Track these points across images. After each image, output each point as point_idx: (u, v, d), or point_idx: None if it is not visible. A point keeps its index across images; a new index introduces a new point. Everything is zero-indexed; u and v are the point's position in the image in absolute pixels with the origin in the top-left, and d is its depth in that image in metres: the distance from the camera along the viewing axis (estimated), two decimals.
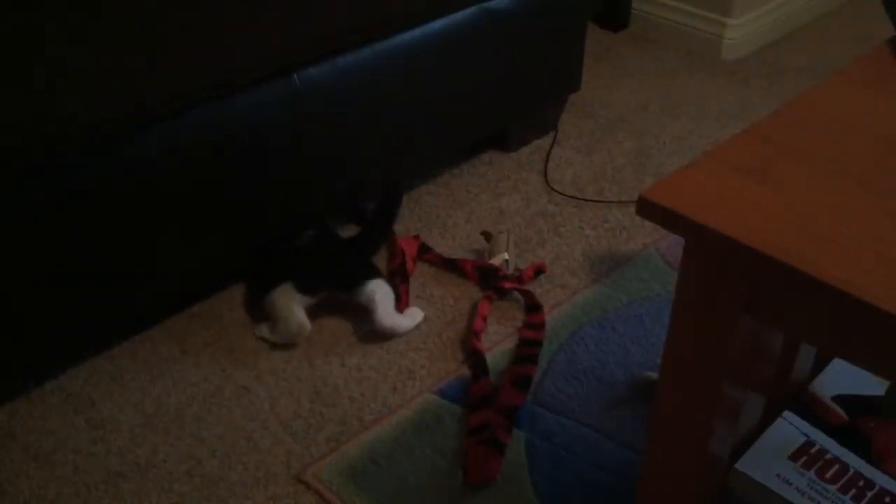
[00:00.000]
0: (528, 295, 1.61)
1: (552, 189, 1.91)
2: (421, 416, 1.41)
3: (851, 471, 1.08)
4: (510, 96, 1.90)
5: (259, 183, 1.53)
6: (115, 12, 1.33)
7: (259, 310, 1.57)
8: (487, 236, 1.71)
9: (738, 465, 1.08)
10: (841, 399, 1.18)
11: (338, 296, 1.56)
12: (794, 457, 1.10)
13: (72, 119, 1.28)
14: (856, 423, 1.14)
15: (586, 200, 1.88)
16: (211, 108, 1.41)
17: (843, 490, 1.06)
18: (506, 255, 1.65)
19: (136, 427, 1.41)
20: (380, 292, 1.53)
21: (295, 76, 1.49)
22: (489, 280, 1.63)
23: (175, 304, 1.61)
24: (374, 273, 1.56)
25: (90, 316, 1.45)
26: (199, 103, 1.39)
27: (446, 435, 1.38)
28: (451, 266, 1.68)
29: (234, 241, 1.57)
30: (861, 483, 1.07)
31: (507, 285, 1.62)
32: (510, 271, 1.65)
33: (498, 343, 1.54)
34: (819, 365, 1.22)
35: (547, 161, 2.00)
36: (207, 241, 1.53)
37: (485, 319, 1.57)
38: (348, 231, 1.70)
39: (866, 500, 1.05)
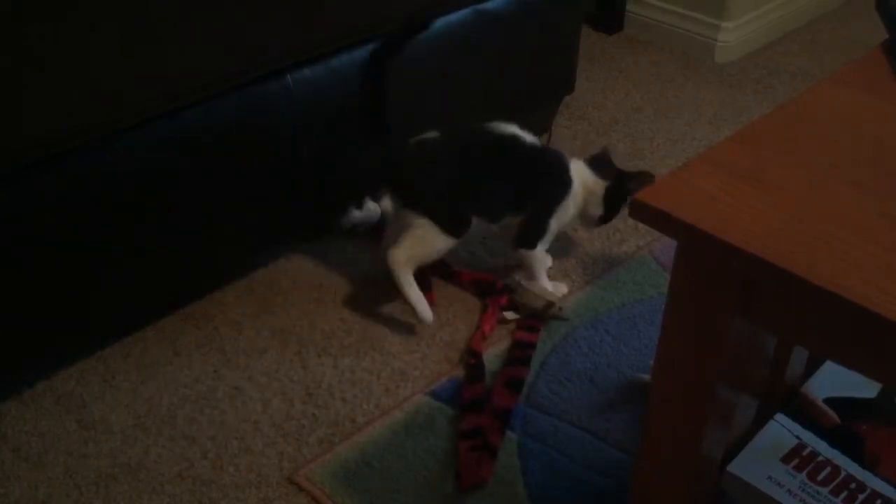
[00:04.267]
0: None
1: None
2: (413, 417, 1.41)
3: (843, 473, 1.08)
4: (504, 98, 1.90)
5: (253, 183, 1.53)
6: (111, 13, 1.33)
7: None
8: (512, 296, 1.62)
9: (730, 467, 1.08)
10: (833, 401, 1.18)
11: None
12: (786, 459, 1.10)
13: (71, 119, 1.27)
14: (848, 425, 1.15)
15: None
16: (206, 108, 1.41)
17: (835, 492, 1.06)
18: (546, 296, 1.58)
19: (128, 428, 1.40)
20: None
21: (289, 77, 1.49)
22: (487, 294, 1.63)
23: (168, 305, 1.60)
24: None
25: (82, 316, 1.45)
26: (193, 104, 1.39)
27: (439, 436, 1.38)
28: (447, 276, 1.67)
29: (227, 240, 1.57)
30: (853, 485, 1.07)
31: (504, 301, 1.61)
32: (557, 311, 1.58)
33: (492, 344, 1.54)
34: (811, 367, 1.22)
35: None
36: (201, 241, 1.52)
37: (497, 322, 1.56)
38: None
39: (858, 502, 1.05)
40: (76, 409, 1.43)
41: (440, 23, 1.68)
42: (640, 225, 1.64)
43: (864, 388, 1.19)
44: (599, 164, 1.64)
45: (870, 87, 1.02)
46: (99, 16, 1.31)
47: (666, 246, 1.74)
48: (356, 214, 1.73)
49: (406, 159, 1.49)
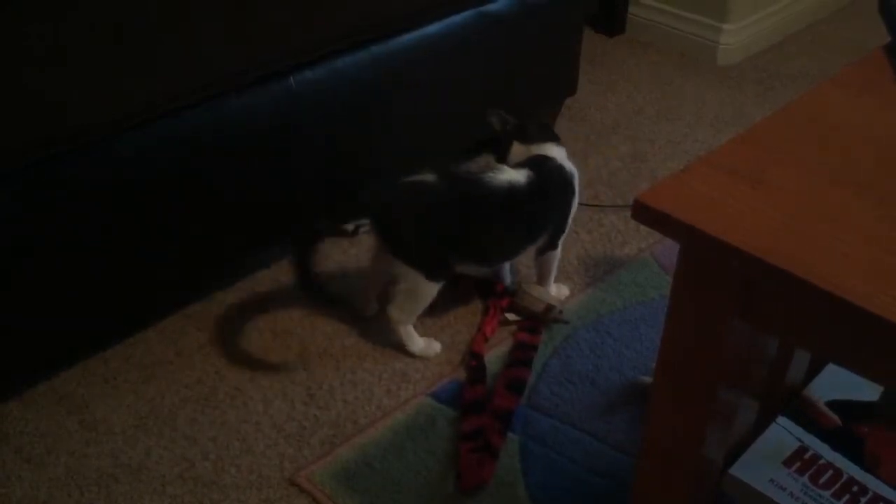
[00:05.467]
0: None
1: None
2: (415, 418, 1.41)
3: (845, 476, 1.08)
4: (506, 100, 1.90)
5: (254, 184, 1.53)
6: (111, 13, 1.33)
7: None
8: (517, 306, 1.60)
9: (731, 470, 1.08)
10: (835, 404, 1.18)
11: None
12: (787, 462, 1.10)
13: (71, 119, 1.27)
14: (850, 428, 1.14)
15: (581, 204, 1.87)
16: (206, 108, 1.41)
17: (837, 495, 1.06)
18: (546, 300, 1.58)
19: (129, 429, 1.40)
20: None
21: (291, 78, 1.49)
22: (488, 296, 1.62)
23: (169, 305, 1.60)
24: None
25: (83, 316, 1.45)
26: (193, 104, 1.39)
27: (440, 438, 1.38)
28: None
29: (228, 241, 1.57)
30: (855, 488, 1.07)
31: (505, 304, 1.61)
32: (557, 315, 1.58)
33: (493, 346, 1.54)
34: (813, 370, 1.22)
35: None
36: (202, 241, 1.52)
37: (498, 324, 1.57)
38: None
39: None
40: (78, 409, 1.43)
41: (442, 25, 1.68)
42: (642, 227, 1.63)
43: (866, 390, 1.19)
44: (537, 133, 1.60)
45: (871, 89, 1.02)
46: (99, 16, 1.31)
47: (667, 248, 1.74)
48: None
49: (393, 204, 1.44)
